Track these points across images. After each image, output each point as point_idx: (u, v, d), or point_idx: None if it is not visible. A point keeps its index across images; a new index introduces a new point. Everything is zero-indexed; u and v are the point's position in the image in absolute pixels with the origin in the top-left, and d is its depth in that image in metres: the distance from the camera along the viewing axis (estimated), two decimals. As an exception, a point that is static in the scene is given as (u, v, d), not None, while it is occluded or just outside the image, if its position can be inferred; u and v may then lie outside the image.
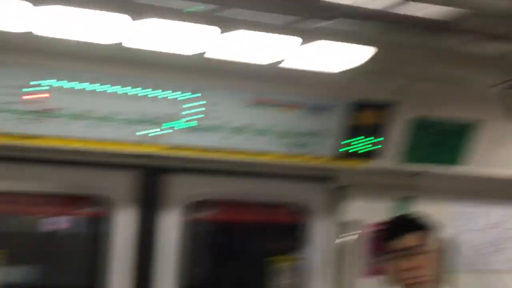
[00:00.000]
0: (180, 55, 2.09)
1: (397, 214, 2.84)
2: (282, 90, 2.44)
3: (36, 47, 2.08)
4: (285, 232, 3.20)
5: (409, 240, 2.47)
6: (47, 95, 2.21)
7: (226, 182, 2.92)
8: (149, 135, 2.38)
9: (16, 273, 2.81)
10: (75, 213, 2.81)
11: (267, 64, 2.15)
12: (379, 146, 2.63)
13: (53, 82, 2.19)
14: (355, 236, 2.89)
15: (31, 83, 2.17)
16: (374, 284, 2.80)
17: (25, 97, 2.18)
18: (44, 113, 2.22)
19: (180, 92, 2.34)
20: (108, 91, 2.26)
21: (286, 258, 3.09)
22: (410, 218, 2.61)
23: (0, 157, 2.53)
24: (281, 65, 2.14)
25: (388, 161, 2.67)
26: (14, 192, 2.66)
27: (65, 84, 2.21)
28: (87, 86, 2.23)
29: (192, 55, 2.07)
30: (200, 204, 2.94)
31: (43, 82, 2.19)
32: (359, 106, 2.54)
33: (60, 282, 2.99)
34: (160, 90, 2.32)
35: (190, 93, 2.35)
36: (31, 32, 1.89)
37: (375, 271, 2.87)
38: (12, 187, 2.64)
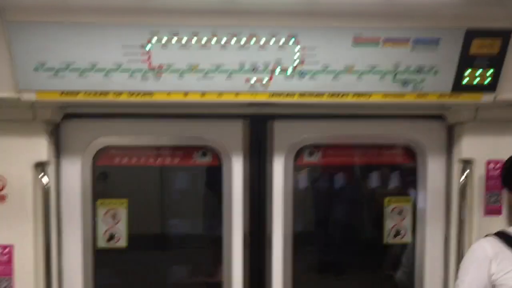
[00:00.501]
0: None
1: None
2: (387, 26, 2.32)
3: (149, 6, 2.17)
4: (399, 174, 3.14)
5: None
6: (159, 52, 2.30)
7: (334, 126, 2.90)
8: (255, 83, 2.40)
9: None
10: (190, 164, 2.95)
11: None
12: (498, 78, 2.43)
13: (164, 40, 2.28)
14: (474, 174, 2.75)
15: (146, 42, 2.28)
16: (495, 222, 2.71)
17: (141, 56, 2.29)
18: (158, 70, 2.33)
19: (280, 37, 2.31)
20: (211, 43, 2.30)
21: (401, 199, 3.05)
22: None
23: (122, 114, 2.76)
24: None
25: (508, 93, 2.47)
26: (134, 146, 2.88)
27: (173, 40, 2.29)
28: (191, 40, 2.29)
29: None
30: (311, 149, 2.96)
31: (154, 40, 2.28)
32: (474, 35, 2.34)
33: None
34: (260, 38, 2.31)
35: (290, 38, 2.31)
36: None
37: (496, 209, 2.76)
38: (133, 141, 2.87)
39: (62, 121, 2.76)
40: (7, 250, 2.61)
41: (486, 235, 2.52)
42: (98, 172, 2.91)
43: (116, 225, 2.91)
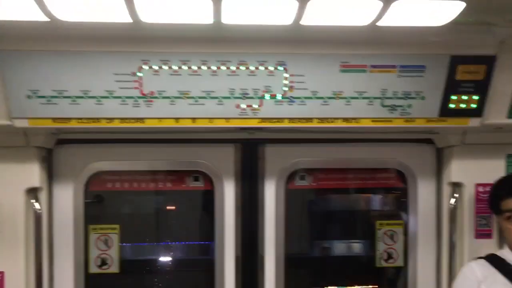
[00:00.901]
0: (266, 26, 2.09)
1: (509, 172, 2.73)
2: (373, 53, 2.36)
3: (140, 34, 2.21)
4: (388, 197, 3.16)
5: None
6: (150, 79, 2.34)
7: (325, 150, 2.93)
8: (246, 109, 2.43)
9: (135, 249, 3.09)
10: (182, 188, 2.97)
11: (357, 26, 2.09)
12: (484, 102, 2.47)
13: (155, 67, 2.32)
14: (464, 198, 2.78)
15: (137, 69, 2.31)
16: (485, 245, 2.72)
17: (133, 83, 2.33)
18: (149, 97, 2.36)
19: (268, 65, 2.35)
20: (201, 71, 2.34)
21: (392, 222, 3.07)
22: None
23: (115, 139, 2.78)
24: (376, 24, 2.06)
25: (494, 117, 2.51)
26: (129, 171, 2.91)
27: (164, 67, 2.32)
28: (182, 67, 2.33)
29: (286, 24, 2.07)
30: (302, 173, 2.99)
31: (145, 68, 2.32)
32: (459, 62, 2.39)
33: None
34: (249, 65, 2.35)
35: (278, 65, 2.35)
36: (136, 21, 2.00)
37: (486, 232, 2.77)
38: (125, 166, 2.89)
39: (55, 147, 2.79)
40: (-2, 276, 2.61)
41: (477, 258, 2.54)
42: (92, 196, 2.93)
43: (108, 251, 2.91)
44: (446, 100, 2.45)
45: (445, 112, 2.47)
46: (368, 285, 3.21)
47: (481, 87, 2.43)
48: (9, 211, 2.60)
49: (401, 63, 2.38)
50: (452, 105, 2.46)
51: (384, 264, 3.06)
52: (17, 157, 2.60)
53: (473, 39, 2.32)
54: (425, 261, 2.96)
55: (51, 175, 2.80)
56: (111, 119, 2.39)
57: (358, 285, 3.22)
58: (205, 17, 2.00)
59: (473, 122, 2.50)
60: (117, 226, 2.92)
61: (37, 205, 2.62)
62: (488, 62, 2.38)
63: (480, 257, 2.52)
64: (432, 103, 2.46)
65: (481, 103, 2.46)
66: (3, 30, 2.15)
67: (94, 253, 2.90)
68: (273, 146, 2.90)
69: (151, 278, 3.19)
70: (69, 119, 2.37)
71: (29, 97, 2.30)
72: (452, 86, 2.42)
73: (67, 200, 2.81)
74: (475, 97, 2.45)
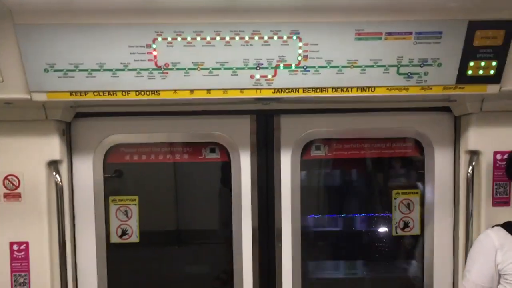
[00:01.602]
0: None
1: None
2: (389, 20, 2.32)
3: (153, 6, 2.22)
4: (406, 166, 3.15)
5: None
6: (164, 51, 2.35)
7: (341, 120, 2.93)
8: (260, 79, 2.43)
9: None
10: (198, 160, 3.00)
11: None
12: (503, 69, 2.42)
13: (169, 39, 2.32)
14: (481, 165, 2.75)
15: (151, 41, 2.32)
16: (503, 213, 2.71)
17: (147, 55, 2.34)
18: (164, 68, 2.37)
19: (282, 34, 2.33)
20: (215, 41, 2.34)
21: (409, 192, 3.07)
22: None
23: (132, 112, 2.81)
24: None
25: None
26: (144, 143, 2.95)
27: (178, 39, 2.33)
28: (196, 38, 2.33)
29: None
30: (318, 143, 3.00)
31: (159, 40, 2.32)
32: (477, 27, 2.33)
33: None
34: (263, 34, 2.33)
35: (292, 35, 2.33)
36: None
37: (504, 200, 2.76)
38: (142, 139, 2.93)
39: (73, 121, 2.84)
40: (23, 246, 2.69)
41: (493, 226, 2.53)
42: (111, 170, 2.99)
43: (128, 221, 2.98)
44: (463, 66, 2.41)
45: (462, 79, 2.43)
46: (384, 255, 3.24)
47: (500, 53, 2.38)
48: (32, 183, 2.67)
49: (417, 29, 2.33)
50: (469, 72, 2.42)
51: (400, 232, 3.07)
52: (37, 131, 2.66)
53: (491, 3, 2.27)
54: (441, 229, 2.96)
55: (70, 148, 2.85)
56: (127, 92, 2.41)
57: (376, 254, 3.26)
58: None
59: (491, 88, 2.46)
60: (136, 197, 2.98)
61: (58, 177, 2.68)
62: (507, 26, 2.33)
63: (497, 225, 2.52)
64: (449, 70, 2.42)
65: (500, 69, 2.41)
66: (20, 5, 2.18)
67: (114, 223, 2.98)
68: (288, 116, 2.91)
69: (170, 249, 3.27)
70: (85, 92, 2.40)
71: (46, 70, 2.33)
72: (470, 52, 2.38)
73: (86, 172, 2.88)
74: (494, 63, 2.40)
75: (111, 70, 2.36)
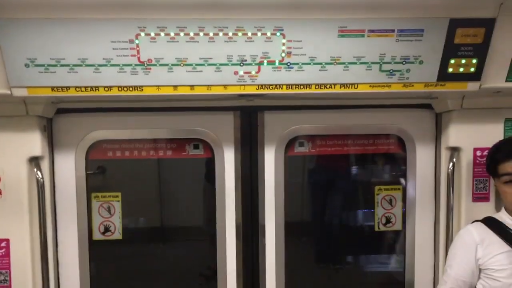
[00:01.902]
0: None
1: (507, 136, 2.74)
2: (371, 17, 2.33)
3: (136, 1, 2.21)
4: (389, 162, 3.18)
5: None
6: (147, 47, 2.33)
7: (324, 117, 2.94)
8: (244, 75, 2.43)
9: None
10: (182, 156, 3.00)
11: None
12: (483, 66, 2.46)
13: (152, 34, 2.30)
14: (462, 162, 2.79)
15: (134, 37, 2.30)
16: (483, 209, 2.75)
17: (130, 51, 2.32)
18: (147, 64, 2.36)
19: (266, 30, 2.33)
20: (199, 37, 2.33)
21: (391, 188, 3.11)
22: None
23: (114, 108, 2.79)
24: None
25: (493, 81, 2.50)
26: (129, 139, 2.93)
27: (161, 34, 2.31)
28: (179, 34, 2.32)
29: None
30: (301, 139, 3.02)
31: (142, 35, 2.31)
32: (458, 25, 2.36)
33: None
34: (247, 31, 2.33)
35: (276, 31, 2.33)
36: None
37: (484, 196, 2.81)
38: (125, 135, 2.91)
39: (54, 116, 2.81)
40: (3, 244, 2.66)
41: (473, 221, 2.57)
42: (94, 166, 2.96)
43: (111, 218, 2.97)
44: (444, 64, 2.44)
45: (443, 76, 2.47)
46: (367, 250, 3.28)
47: (480, 51, 2.41)
48: (12, 180, 2.64)
49: (400, 27, 2.36)
50: (450, 69, 2.45)
51: (382, 228, 3.11)
52: (18, 127, 2.62)
53: (472, 1, 2.30)
54: (423, 225, 3.00)
55: (52, 144, 2.82)
56: (109, 87, 2.39)
57: (358, 249, 3.29)
58: None
59: (472, 86, 2.50)
60: (119, 193, 2.96)
61: (39, 174, 2.65)
62: (488, 25, 2.36)
63: (477, 220, 2.56)
64: (431, 67, 2.45)
65: (480, 67, 2.45)
66: None
67: (97, 220, 2.95)
68: (272, 113, 2.92)
69: (153, 246, 3.26)
70: (67, 87, 2.37)
71: (27, 65, 2.30)
72: (451, 50, 2.41)
73: (68, 168, 2.85)
74: (474, 61, 2.43)
75: (93, 65, 2.33)
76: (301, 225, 3.32)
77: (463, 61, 2.43)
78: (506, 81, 2.49)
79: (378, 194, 3.10)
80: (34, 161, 2.66)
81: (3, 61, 2.28)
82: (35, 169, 2.65)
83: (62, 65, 2.32)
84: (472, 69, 2.45)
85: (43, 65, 2.31)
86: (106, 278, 3.05)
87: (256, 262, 2.99)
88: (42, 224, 2.69)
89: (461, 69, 2.45)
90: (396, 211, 3.10)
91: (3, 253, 2.66)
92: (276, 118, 2.92)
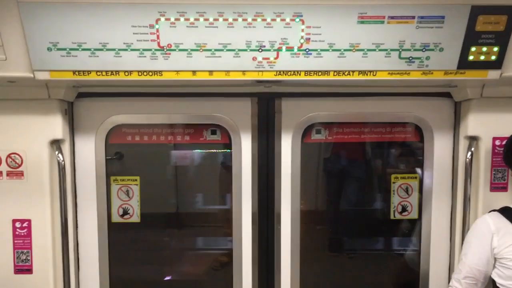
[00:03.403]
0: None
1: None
2: (391, 4, 2.31)
3: None
4: (406, 151, 3.17)
5: None
6: (167, 32, 2.35)
7: (342, 104, 2.94)
8: (262, 61, 2.43)
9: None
10: (200, 141, 3.03)
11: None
12: (504, 54, 2.42)
13: (172, 19, 2.32)
14: (480, 151, 2.77)
15: (154, 22, 2.33)
16: (500, 198, 2.74)
17: (150, 35, 2.35)
18: (167, 49, 2.38)
19: (285, 16, 2.33)
20: (218, 23, 2.34)
21: (408, 176, 3.10)
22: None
23: (134, 93, 2.83)
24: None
25: None
26: (147, 124, 2.97)
27: (181, 19, 2.33)
28: (198, 19, 2.33)
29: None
30: (318, 127, 3.02)
31: (162, 20, 2.33)
32: (480, 12, 2.32)
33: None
34: (266, 16, 2.33)
35: (295, 17, 2.33)
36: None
37: (502, 186, 2.78)
38: (144, 120, 2.95)
39: (75, 100, 2.85)
40: (25, 224, 2.72)
41: (490, 211, 2.56)
42: (113, 151, 3.01)
43: (129, 201, 3.02)
44: (465, 52, 2.41)
45: (464, 64, 2.44)
46: (383, 238, 3.28)
47: (502, 38, 2.38)
48: (34, 162, 2.69)
49: (420, 13, 2.34)
50: (471, 57, 2.42)
51: (398, 216, 3.10)
52: (40, 110, 2.67)
53: None
54: (439, 214, 2.99)
55: (73, 128, 2.87)
56: (129, 72, 2.42)
57: (374, 237, 3.30)
58: None
59: (492, 74, 2.47)
60: (137, 177, 3.01)
61: (60, 157, 2.71)
62: (510, 12, 2.32)
63: (494, 210, 2.55)
64: (451, 55, 2.42)
65: (501, 55, 2.42)
66: None
67: (116, 203, 3.01)
68: (289, 100, 2.92)
69: (171, 230, 3.32)
70: (88, 71, 2.41)
71: (49, 49, 2.34)
72: (472, 38, 2.38)
73: (88, 152, 2.90)
74: (495, 49, 2.40)
75: (114, 49, 2.36)
76: (317, 213, 3.33)
77: (484, 49, 2.41)
78: None
79: (394, 183, 3.09)
80: (56, 144, 2.72)
81: (27, 45, 2.32)
82: (57, 152, 2.71)
83: (83, 49, 2.35)
84: (493, 57, 2.42)
85: (65, 49, 2.35)
86: (124, 260, 3.11)
87: (272, 249, 3.02)
88: (63, 206, 2.75)
89: (482, 57, 2.42)
90: (413, 199, 3.10)
91: (25, 233, 2.73)
92: (294, 105, 2.93)
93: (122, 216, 3.02)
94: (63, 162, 2.71)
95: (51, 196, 2.72)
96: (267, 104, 2.94)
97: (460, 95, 2.83)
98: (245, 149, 2.95)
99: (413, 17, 2.35)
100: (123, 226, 3.02)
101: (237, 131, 2.94)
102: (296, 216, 2.99)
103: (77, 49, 2.35)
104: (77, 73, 2.41)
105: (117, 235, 3.01)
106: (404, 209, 3.09)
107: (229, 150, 2.98)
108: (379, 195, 3.27)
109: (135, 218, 3.03)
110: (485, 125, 2.76)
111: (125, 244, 3.12)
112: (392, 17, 2.35)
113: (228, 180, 2.99)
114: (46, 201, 2.71)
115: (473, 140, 2.79)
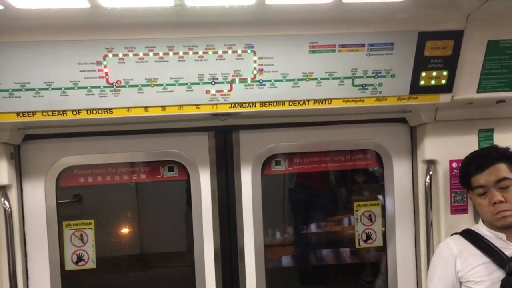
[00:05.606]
0: (232, 9, 2.07)
1: (481, 147, 2.75)
2: (341, 32, 2.34)
3: (102, 21, 2.15)
4: (367, 178, 3.16)
5: (501, 170, 2.38)
6: (115, 68, 2.28)
7: (300, 134, 2.92)
8: (216, 94, 2.39)
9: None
10: (157, 179, 2.93)
11: (323, 5, 2.07)
12: (454, 78, 2.48)
13: (120, 55, 2.26)
14: (438, 174, 2.78)
15: (102, 58, 2.25)
16: (462, 221, 2.73)
17: (98, 72, 2.26)
18: (116, 86, 2.31)
19: (237, 48, 2.31)
20: (168, 57, 2.29)
21: (370, 203, 3.07)
22: (499, 149, 2.49)
23: (84, 132, 2.72)
24: (342, 0, 2.04)
25: (465, 92, 2.51)
26: (100, 164, 2.85)
27: (130, 55, 2.26)
28: (148, 54, 2.27)
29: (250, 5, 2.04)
30: (278, 158, 2.98)
31: (110, 56, 2.26)
32: (427, 38, 2.36)
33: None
34: (217, 49, 2.30)
35: (246, 48, 2.31)
36: (96, 7, 1.95)
37: (462, 208, 2.79)
38: (96, 160, 2.83)
39: (22, 143, 2.72)
40: (-30, 278, 2.53)
41: (452, 234, 2.55)
42: (65, 194, 2.87)
43: (84, 246, 2.86)
44: (416, 77, 2.44)
45: (415, 89, 2.47)
46: (348, 268, 3.23)
47: (450, 63, 2.43)
48: None
49: (370, 41, 2.36)
50: (422, 82, 2.46)
51: (363, 245, 3.06)
52: None
53: (440, 14, 2.32)
54: (403, 239, 2.97)
55: (20, 173, 2.73)
56: (77, 111, 2.33)
57: (340, 268, 3.24)
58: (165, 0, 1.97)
59: (444, 98, 2.51)
60: (91, 221, 2.86)
61: (6, 203, 2.55)
62: (456, 37, 2.38)
63: (456, 233, 2.54)
64: (403, 80, 2.45)
65: (451, 78, 2.46)
66: None
67: (69, 249, 2.84)
68: (247, 132, 2.88)
69: (128, 274, 3.17)
70: (34, 112, 2.30)
71: None
72: (421, 63, 2.42)
73: (38, 197, 2.75)
74: (445, 73, 2.45)
75: (60, 88, 2.27)
76: (283, 245, 3.26)
77: (434, 73, 2.44)
78: (477, 92, 2.51)
79: (357, 210, 3.07)
80: (1, 190, 2.57)
81: None
82: (2, 199, 2.55)
83: (27, 89, 2.25)
84: (444, 81, 2.46)
85: (7, 90, 2.24)
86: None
87: (236, 284, 2.91)
88: (11, 256, 2.57)
89: (433, 81, 2.46)
90: (376, 226, 3.07)
91: (-30, 288, 2.53)
92: (251, 137, 2.89)
93: (76, 263, 2.85)
94: (9, 209, 2.56)
95: None
96: (224, 137, 2.88)
97: (414, 119, 2.86)
98: (204, 185, 2.87)
99: (363, 45, 2.37)
100: (78, 274, 2.85)
101: (195, 167, 2.86)
102: (260, 249, 2.90)
103: (20, 90, 2.24)
104: (21, 114, 2.30)
105: (71, 284, 2.84)
106: (368, 237, 3.05)
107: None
108: (343, 224, 3.23)
109: (91, 264, 2.86)
110: (441, 148, 2.78)
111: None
112: (343, 46, 2.36)
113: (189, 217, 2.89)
114: None
115: (430, 163, 2.80)
